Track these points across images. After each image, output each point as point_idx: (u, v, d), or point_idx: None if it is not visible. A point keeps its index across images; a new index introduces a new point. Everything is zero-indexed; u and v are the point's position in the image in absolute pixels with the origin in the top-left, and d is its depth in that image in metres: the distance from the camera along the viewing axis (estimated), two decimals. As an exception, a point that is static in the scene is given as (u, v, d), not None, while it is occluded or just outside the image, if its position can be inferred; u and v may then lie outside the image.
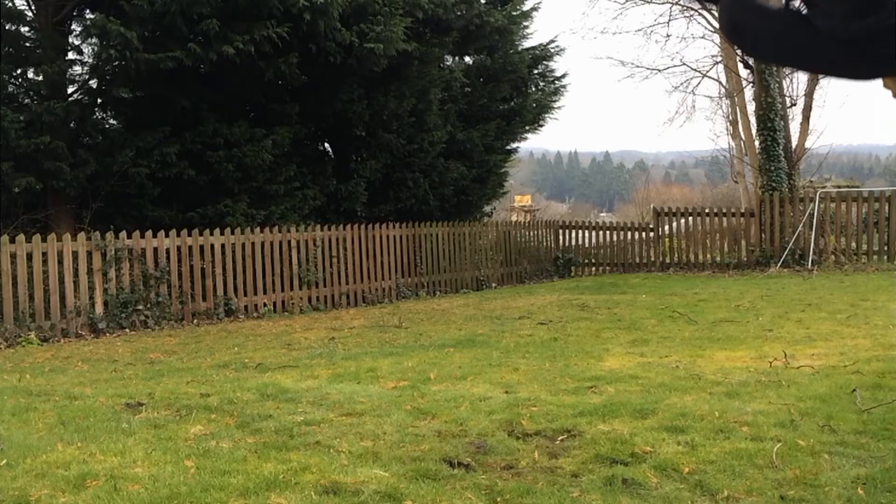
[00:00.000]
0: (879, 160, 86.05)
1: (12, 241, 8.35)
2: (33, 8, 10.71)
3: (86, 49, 10.87)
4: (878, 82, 1.72)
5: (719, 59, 23.81)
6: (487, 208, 16.41)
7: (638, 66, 30.17)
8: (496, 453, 3.37)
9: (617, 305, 9.26)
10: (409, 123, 13.00)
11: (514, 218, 22.70)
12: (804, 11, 1.61)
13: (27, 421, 4.18)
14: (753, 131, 20.43)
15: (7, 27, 10.39)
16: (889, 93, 1.75)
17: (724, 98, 25.47)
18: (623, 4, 23.49)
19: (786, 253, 13.88)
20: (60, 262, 8.59)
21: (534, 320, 8.24)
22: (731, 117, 26.40)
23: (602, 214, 54.34)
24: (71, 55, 10.90)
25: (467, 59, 15.20)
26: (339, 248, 11.36)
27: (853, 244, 14.23)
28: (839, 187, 19.04)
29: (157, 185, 10.49)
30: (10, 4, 10.32)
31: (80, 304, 8.68)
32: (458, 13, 12.70)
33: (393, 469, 3.15)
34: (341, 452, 3.40)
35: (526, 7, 14.95)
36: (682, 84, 31.05)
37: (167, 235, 9.48)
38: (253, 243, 10.28)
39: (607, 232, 15.82)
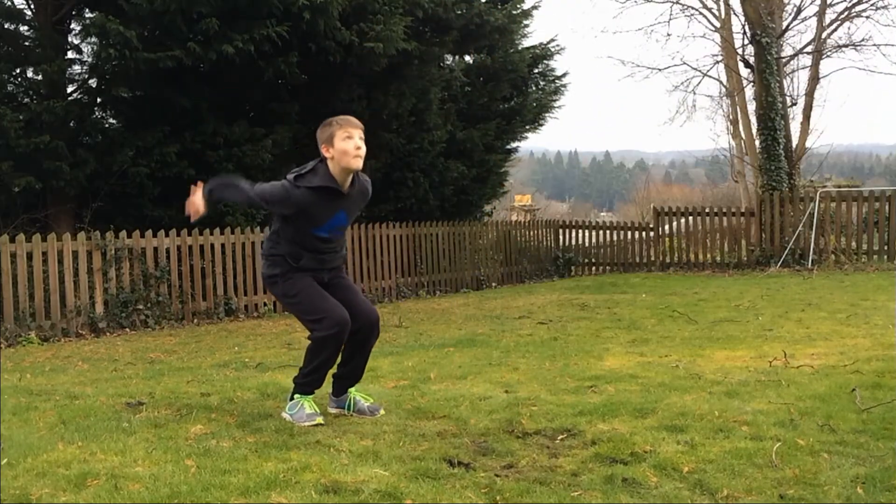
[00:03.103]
0: (880, 160, 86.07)
1: (12, 240, 8.35)
2: (32, 7, 10.71)
3: (85, 48, 10.88)
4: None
5: (720, 58, 23.83)
6: (487, 208, 16.42)
7: (638, 66, 30.25)
8: (496, 453, 3.38)
9: (617, 305, 9.27)
10: (409, 123, 12.99)
11: (514, 217, 22.70)
12: None
13: (28, 420, 4.18)
14: (754, 131, 20.46)
15: (6, 26, 10.39)
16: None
17: (724, 97, 25.49)
18: (623, 4, 23.48)
19: (786, 252, 13.88)
20: (60, 262, 8.59)
21: (534, 320, 8.25)
22: (731, 117, 26.41)
23: (602, 214, 54.31)
24: (70, 54, 10.90)
25: (467, 58, 15.20)
26: (339, 248, 11.34)
27: (853, 244, 14.23)
28: (839, 187, 19.04)
29: (156, 184, 10.48)
30: (9, 3, 10.32)
31: (81, 303, 8.69)
32: (458, 12, 12.69)
33: (393, 468, 3.15)
34: (341, 451, 3.40)
35: (526, 6, 14.96)
36: (682, 83, 31.07)
37: (167, 235, 9.48)
38: (253, 243, 10.27)
39: (607, 231, 15.82)
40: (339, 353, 4.01)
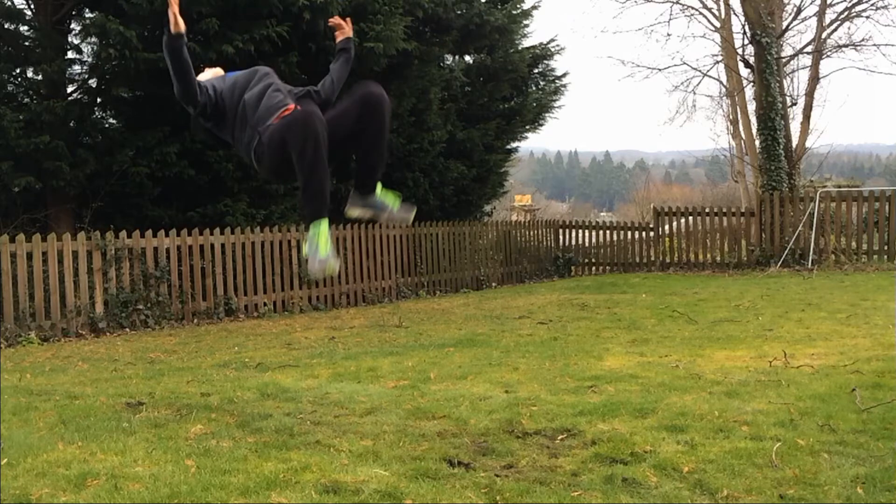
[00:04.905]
0: (880, 160, 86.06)
1: (12, 240, 8.35)
2: (32, 7, 10.71)
3: (85, 48, 10.87)
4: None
5: (720, 58, 23.80)
6: (487, 208, 16.41)
7: (638, 66, 30.20)
8: (496, 453, 3.38)
9: (617, 305, 9.26)
10: (408, 123, 12.99)
11: (514, 217, 22.70)
12: None
13: (28, 420, 4.18)
14: (754, 131, 20.43)
15: (6, 26, 10.39)
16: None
17: (724, 97, 25.46)
18: (623, 4, 23.46)
19: (786, 252, 13.87)
20: (60, 262, 8.59)
21: (534, 320, 8.24)
22: (731, 117, 26.39)
23: (602, 214, 54.30)
24: (70, 54, 10.90)
25: (467, 58, 15.20)
26: (340, 248, 11.36)
27: (853, 244, 14.23)
28: (839, 187, 19.04)
29: (156, 184, 10.48)
30: (9, 3, 10.32)
31: (81, 303, 8.69)
32: (458, 12, 12.69)
33: (393, 468, 3.15)
34: (341, 451, 3.40)
35: (526, 6, 14.97)
36: (682, 83, 31.07)
37: (167, 235, 9.48)
38: (253, 243, 10.28)
39: (607, 231, 15.82)
40: (325, 160, 3.86)
